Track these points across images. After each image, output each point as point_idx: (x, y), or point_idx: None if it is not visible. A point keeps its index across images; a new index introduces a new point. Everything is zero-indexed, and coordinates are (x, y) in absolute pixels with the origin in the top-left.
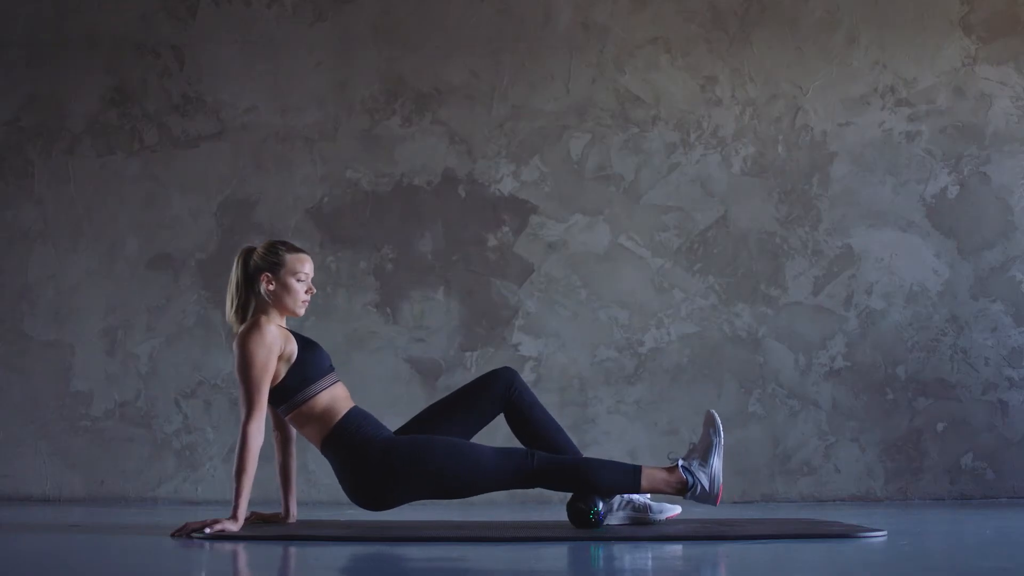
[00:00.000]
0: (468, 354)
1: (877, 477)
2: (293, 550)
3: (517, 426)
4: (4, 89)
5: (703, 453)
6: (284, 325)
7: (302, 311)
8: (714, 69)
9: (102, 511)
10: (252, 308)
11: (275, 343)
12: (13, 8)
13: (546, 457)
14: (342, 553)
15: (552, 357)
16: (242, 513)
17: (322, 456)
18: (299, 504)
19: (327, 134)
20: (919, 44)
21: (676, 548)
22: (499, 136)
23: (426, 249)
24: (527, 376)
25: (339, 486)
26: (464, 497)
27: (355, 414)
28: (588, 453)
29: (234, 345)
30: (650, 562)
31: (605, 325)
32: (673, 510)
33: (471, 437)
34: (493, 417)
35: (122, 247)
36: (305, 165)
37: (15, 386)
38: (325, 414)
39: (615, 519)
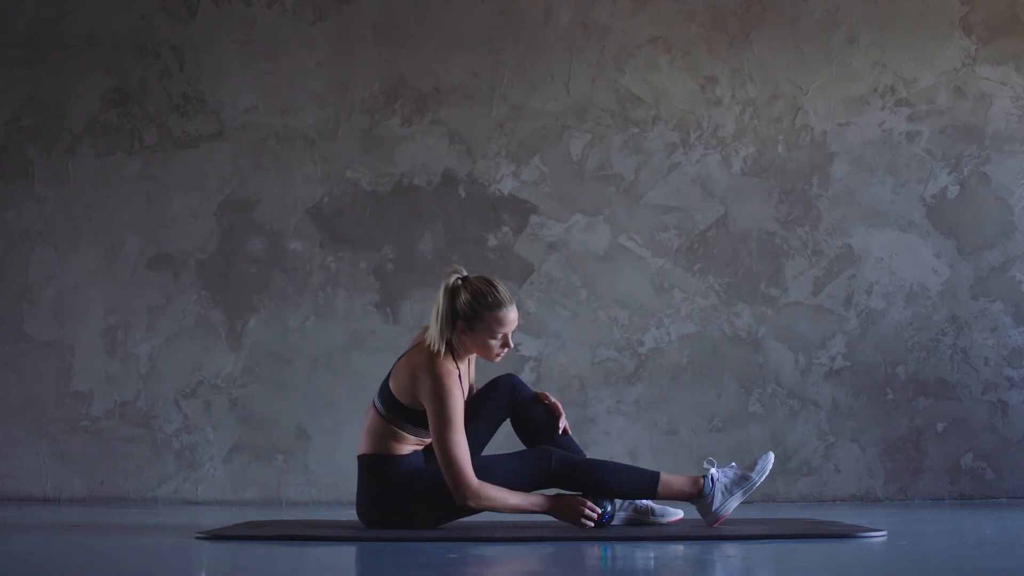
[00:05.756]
0: None
1: (877, 477)
2: (293, 550)
3: (523, 431)
4: (4, 89)
5: (737, 481)
6: (467, 363)
7: (496, 361)
8: (714, 69)
9: (102, 511)
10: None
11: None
12: (13, 8)
13: (563, 456)
14: (342, 553)
15: (552, 357)
16: (540, 499)
17: (322, 455)
18: (299, 504)
19: (327, 134)
20: (919, 44)
21: (676, 548)
22: (499, 136)
23: (426, 249)
24: (527, 376)
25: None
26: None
27: (412, 457)
28: (588, 453)
29: (428, 379)
30: (651, 562)
31: (605, 325)
32: (675, 515)
33: (483, 448)
34: (500, 424)
35: (122, 247)
36: (305, 165)
37: (15, 386)
38: (397, 447)
39: (616, 520)
